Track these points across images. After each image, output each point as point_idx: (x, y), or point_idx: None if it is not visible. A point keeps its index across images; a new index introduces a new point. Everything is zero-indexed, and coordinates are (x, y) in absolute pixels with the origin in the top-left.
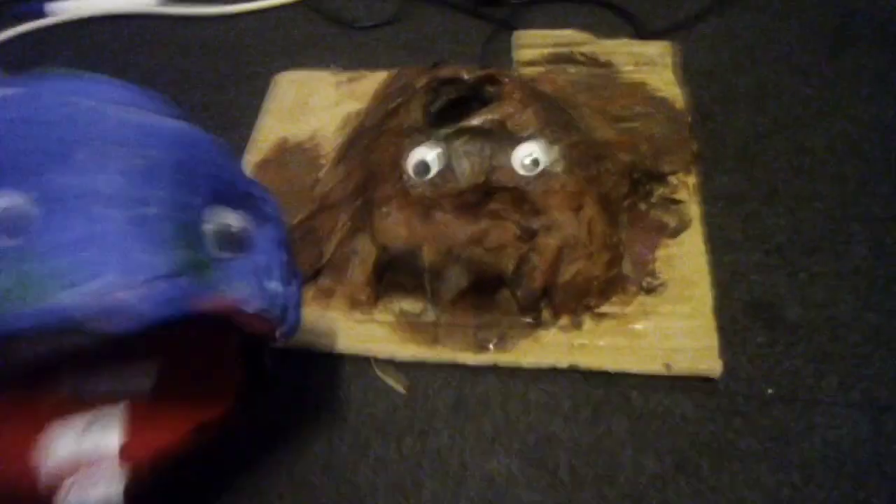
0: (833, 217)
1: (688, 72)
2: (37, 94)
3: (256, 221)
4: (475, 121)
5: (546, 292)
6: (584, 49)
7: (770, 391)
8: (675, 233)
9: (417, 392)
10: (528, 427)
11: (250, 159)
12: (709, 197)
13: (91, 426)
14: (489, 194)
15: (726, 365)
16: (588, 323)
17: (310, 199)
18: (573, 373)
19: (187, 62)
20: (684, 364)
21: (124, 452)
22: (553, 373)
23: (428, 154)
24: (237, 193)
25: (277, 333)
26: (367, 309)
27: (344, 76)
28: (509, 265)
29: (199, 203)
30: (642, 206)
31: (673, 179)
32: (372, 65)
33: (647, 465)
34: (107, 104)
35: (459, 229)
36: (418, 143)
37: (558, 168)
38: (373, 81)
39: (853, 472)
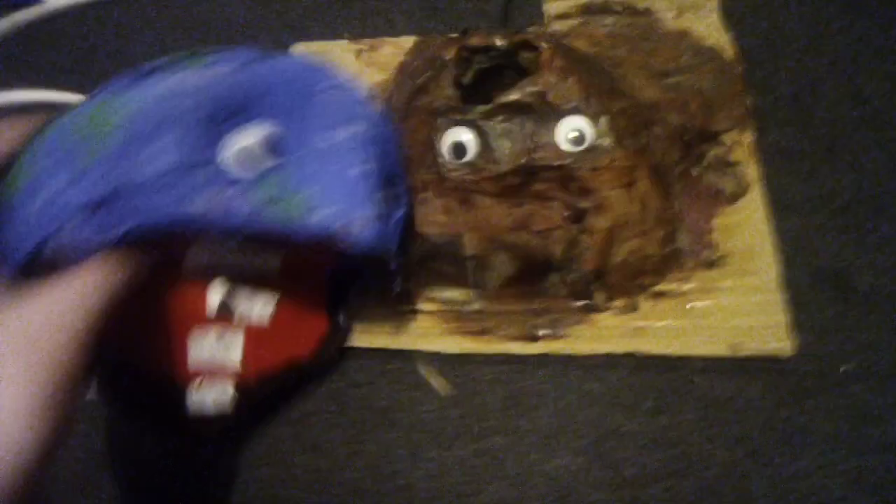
0: None
1: (729, 14)
2: (287, 60)
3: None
4: (513, 95)
5: (598, 275)
6: None
7: (844, 368)
8: (733, 199)
9: (467, 388)
10: (587, 421)
11: None
12: (763, 155)
13: (221, 339)
14: (533, 175)
15: (796, 342)
16: (645, 304)
17: None
18: (631, 360)
19: (192, 43)
20: (752, 344)
21: (241, 366)
22: (610, 361)
23: (464, 135)
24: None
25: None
26: (409, 299)
27: (363, 44)
28: (558, 249)
29: (392, 173)
30: (695, 172)
31: (726, 139)
32: (389, 32)
33: (717, 456)
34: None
35: (503, 214)
36: (452, 124)
37: (606, 141)
38: (396, 48)
39: None
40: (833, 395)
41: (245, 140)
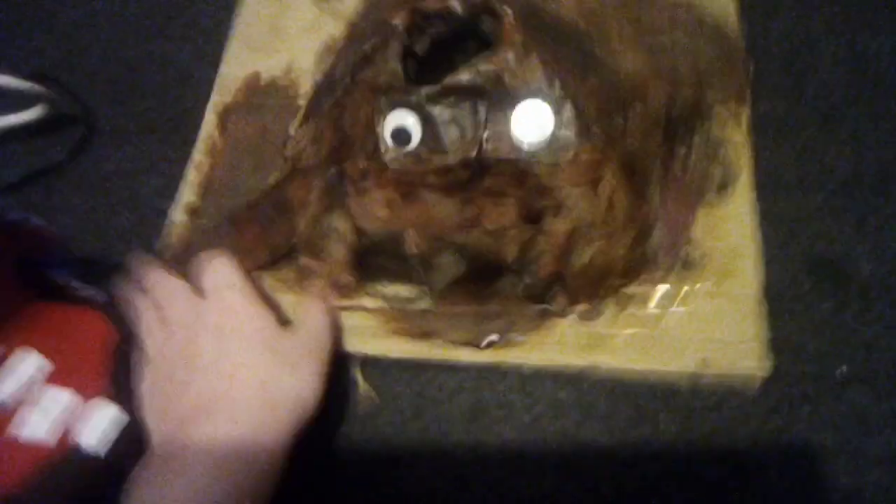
0: None
1: None
2: None
3: None
4: (464, 76)
5: (557, 277)
6: None
7: (842, 370)
8: (722, 186)
9: (428, 397)
10: (560, 434)
11: (219, 102)
12: (754, 129)
13: None
14: (484, 168)
15: (788, 341)
16: (610, 308)
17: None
18: None
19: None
20: (722, 362)
21: None
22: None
23: (407, 119)
24: None
25: None
26: (352, 293)
27: None
28: (511, 251)
29: None
30: (680, 154)
31: (721, 112)
32: None
33: (703, 473)
34: None
35: (450, 211)
36: (396, 105)
37: (570, 131)
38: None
39: None
40: (830, 400)
41: None
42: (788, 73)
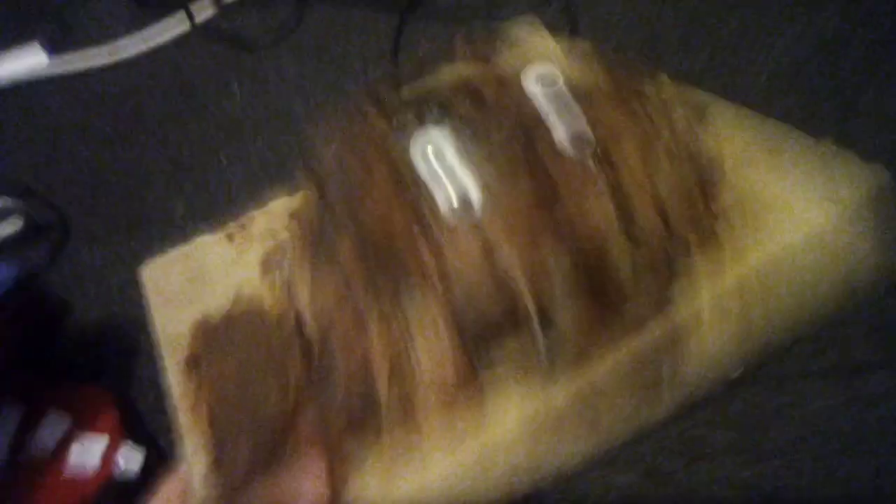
0: None
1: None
2: None
3: None
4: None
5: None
6: None
7: (734, 375)
8: None
9: None
10: None
11: (173, 360)
12: None
13: None
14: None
15: None
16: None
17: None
18: None
19: None
20: None
21: None
22: None
23: (459, 183)
24: None
25: None
26: (468, 383)
27: (230, 226)
28: (608, 219)
29: None
30: None
31: None
32: (277, 84)
33: (614, 480)
34: None
35: (542, 225)
36: (436, 178)
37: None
38: (268, 215)
39: (834, 446)
40: (725, 402)
41: None
42: None
